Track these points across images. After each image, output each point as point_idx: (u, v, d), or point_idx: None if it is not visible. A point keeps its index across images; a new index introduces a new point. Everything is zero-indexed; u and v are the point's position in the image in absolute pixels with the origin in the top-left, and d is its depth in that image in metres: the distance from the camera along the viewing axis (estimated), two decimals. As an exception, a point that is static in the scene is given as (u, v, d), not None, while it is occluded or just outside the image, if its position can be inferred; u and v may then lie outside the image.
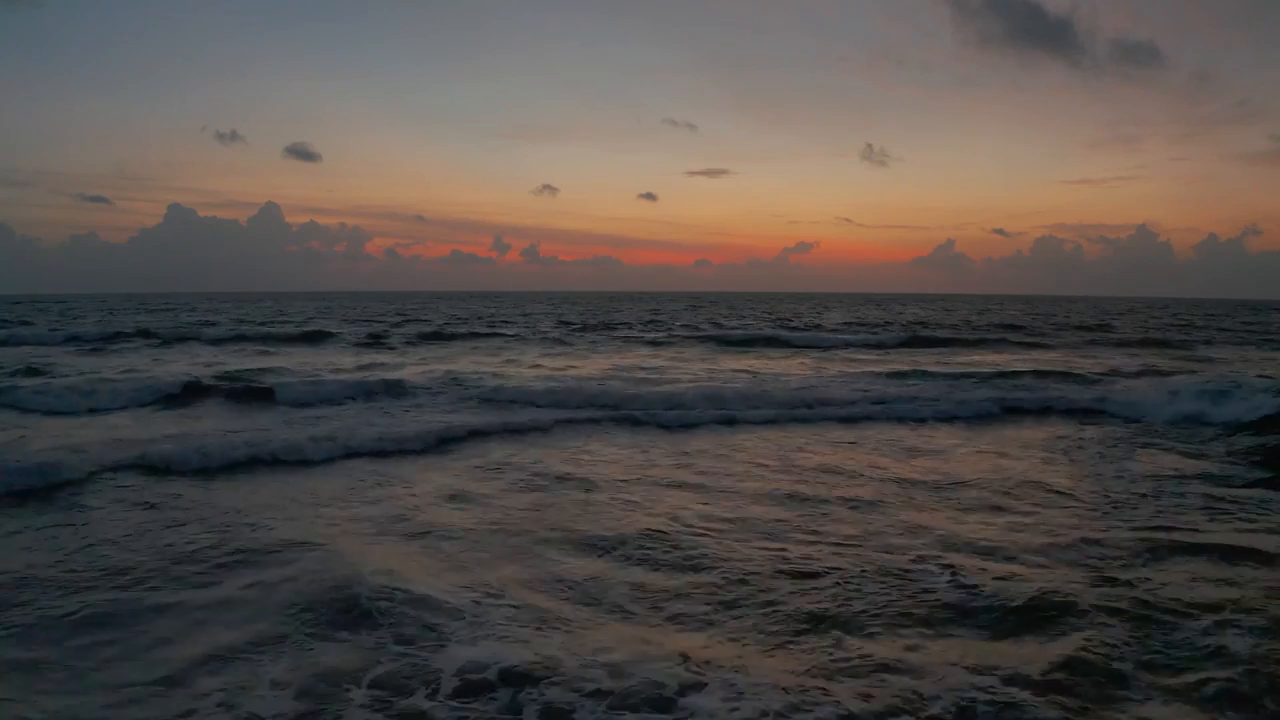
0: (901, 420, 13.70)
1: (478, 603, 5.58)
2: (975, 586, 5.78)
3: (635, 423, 13.17)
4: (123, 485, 8.84)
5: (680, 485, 9.02)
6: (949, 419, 13.77)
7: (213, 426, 12.04)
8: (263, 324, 41.44)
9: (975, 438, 12.33)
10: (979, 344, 32.37)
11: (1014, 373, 19.66)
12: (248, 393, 15.06)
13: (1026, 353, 28.80)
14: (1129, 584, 5.88)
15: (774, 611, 5.44)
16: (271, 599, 5.61)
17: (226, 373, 18.24)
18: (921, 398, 14.96)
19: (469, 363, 22.63)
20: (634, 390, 15.66)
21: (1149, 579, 6.02)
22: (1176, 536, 7.00)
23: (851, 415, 14.00)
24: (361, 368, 20.66)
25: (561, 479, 9.23)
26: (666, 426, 12.97)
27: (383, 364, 21.64)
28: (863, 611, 5.43)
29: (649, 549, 6.71)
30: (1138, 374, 19.91)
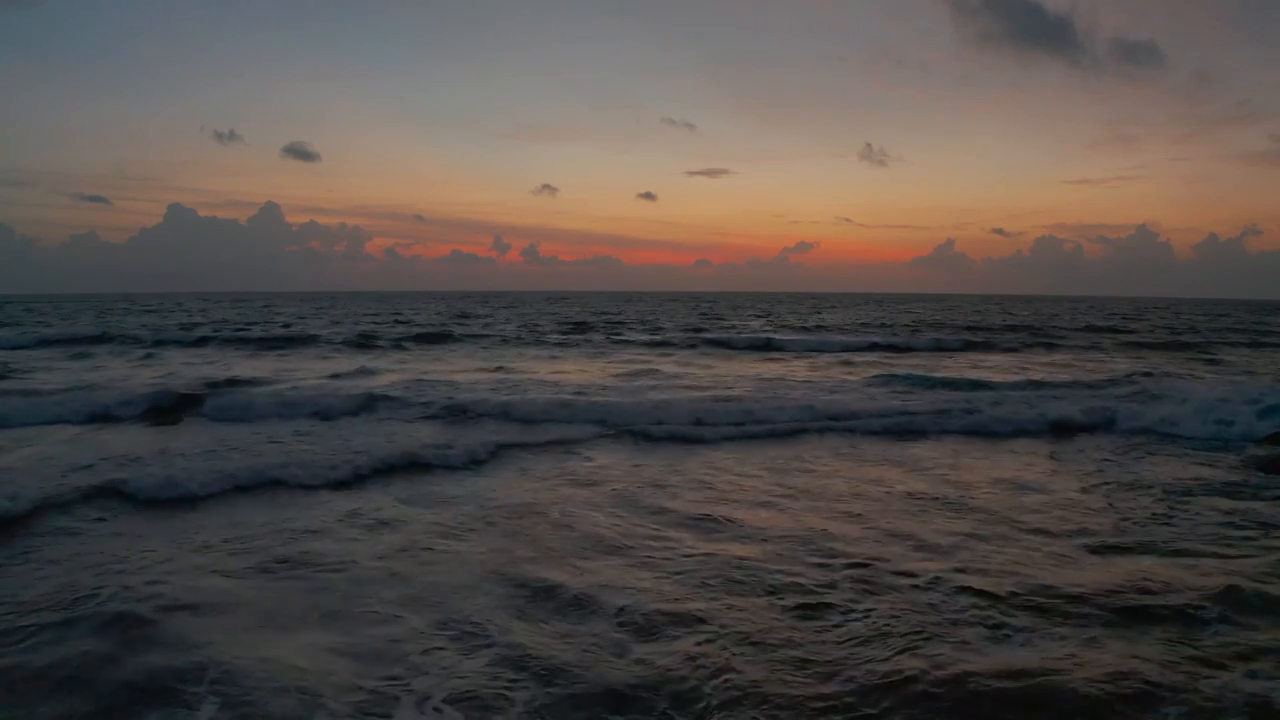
0: (923, 434, 12.51)
1: (377, 697, 4.44)
2: (1023, 646, 4.64)
3: (625, 437, 11.97)
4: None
5: (669, 516, 7.83)
6: (982, 433, 12.58)
7: (128, 449, 10.62)
8: (248, 326, 40.32)
9: (1006, 454, 11.17)
10: (992, 347, 31.17)
11: (1042, 382, 18.44)
12: (182, 406, 13.67)
13: (1047, 355, 27.67)
14: (1204, 648, 4.76)
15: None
16: (99, 677, 4.46)
17: (186, 382, 17.06)
18: (948, 410, 13.70)
19: (452, 369, 21.49)
20: (626, 400, 14.53)
21: (1221, 640, 4.92)
22: (1244, 580, 5.85)
23: (870, 428, 12.75)
24: (335, 376, 19.50)
25: (520, 512, 8.04)
26: (661, 440, 11.79)
27: (360, 370, 20.45)
28: (880, 707, 4.28)
29: (621, 614, 5.54)
30: (1168, 377, 18.75)
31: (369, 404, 13.34)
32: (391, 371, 19.75)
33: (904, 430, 12.67)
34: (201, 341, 30.50)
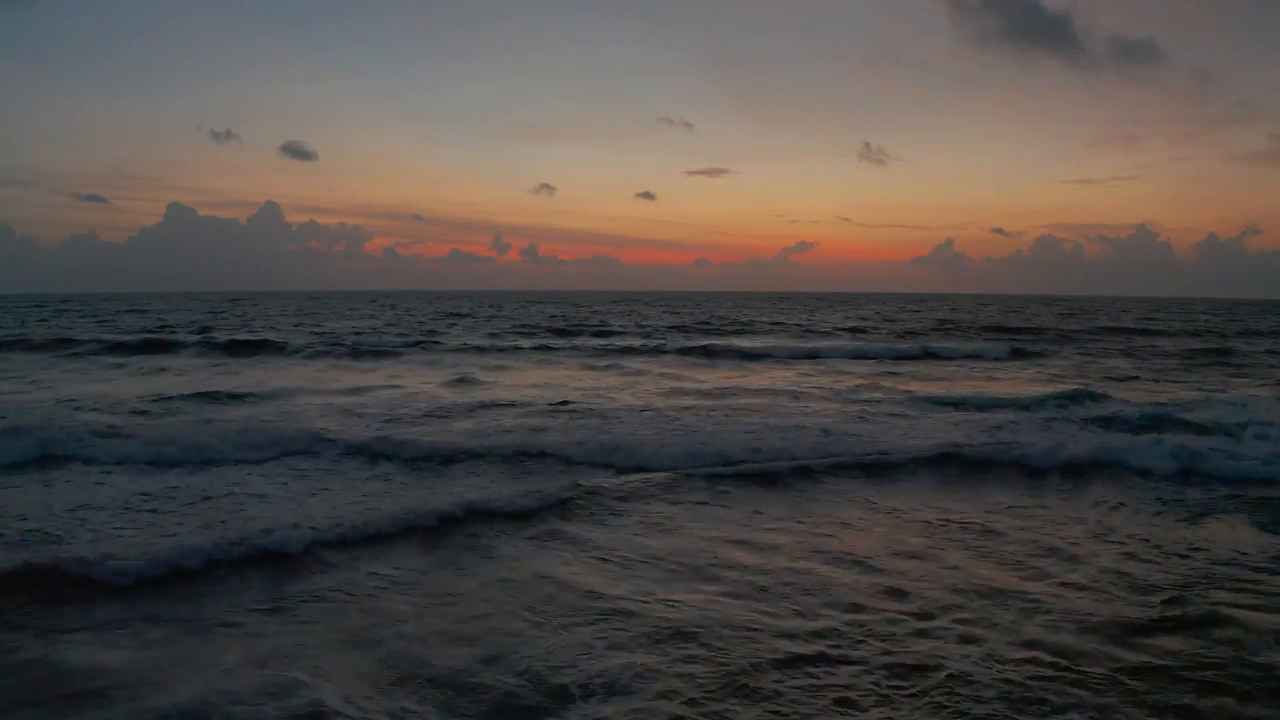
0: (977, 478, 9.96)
1: None
2: None
3: (626, 483, 9.35)
4: None
5: (670, 639, 5.30)
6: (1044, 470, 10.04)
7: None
8: (222, 327, 37.94)
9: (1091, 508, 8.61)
10: (1038, 355, 28.50)
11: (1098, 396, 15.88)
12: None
13: (1092, 360, 25.10)
14: None
15: None
16: None
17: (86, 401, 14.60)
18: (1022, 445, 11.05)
19: (425, 382, 19.09)
20: (601, 428, 12.09)
21: None
22: None
23: (892, 459, 10.25)
24: (298, 389, 17.07)
25: (450, 636, 5.50)
26: (690, 487, 9.17)
27: (320, 388, 17.83)
28: None
29: None
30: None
31: (299, 442, 10.63)
32: (345, 395, 16.93)
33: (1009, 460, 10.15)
34: (154, 345, 28.27)
